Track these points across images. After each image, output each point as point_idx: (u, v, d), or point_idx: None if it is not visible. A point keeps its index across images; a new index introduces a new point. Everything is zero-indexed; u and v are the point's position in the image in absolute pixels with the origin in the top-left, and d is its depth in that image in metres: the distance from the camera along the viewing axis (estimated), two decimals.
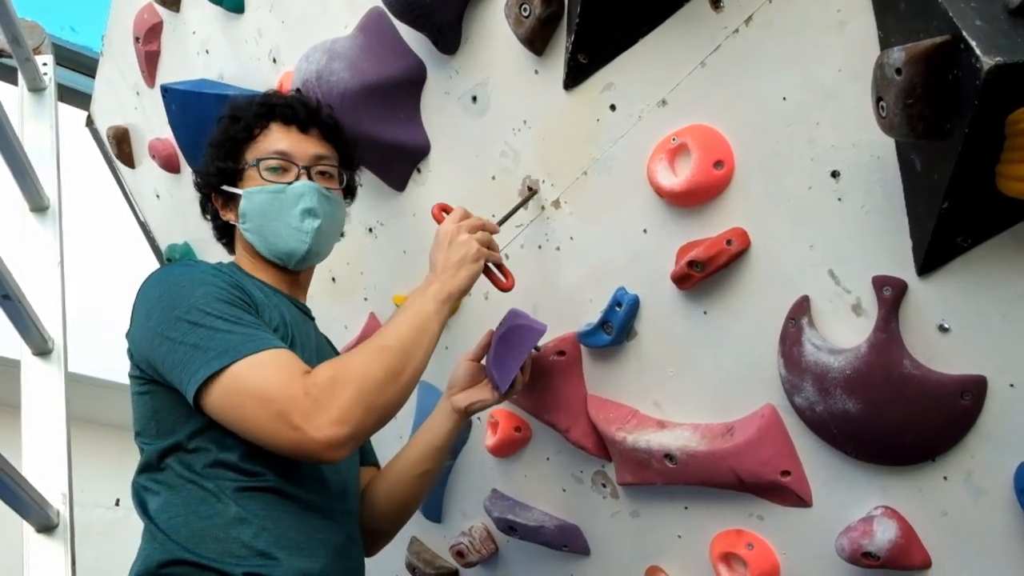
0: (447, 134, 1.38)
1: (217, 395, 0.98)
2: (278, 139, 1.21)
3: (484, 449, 1.45)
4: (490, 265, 1.21)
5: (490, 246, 1.19)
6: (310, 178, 1.20)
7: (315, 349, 1.19)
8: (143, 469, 1.09)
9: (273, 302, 1.16)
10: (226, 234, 1.30)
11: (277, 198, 1.19)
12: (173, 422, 1.06)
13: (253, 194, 1.20)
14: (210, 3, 1.72)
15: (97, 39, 2.24)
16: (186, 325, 1.01)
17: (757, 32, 0.97)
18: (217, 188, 1.25)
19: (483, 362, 1.28)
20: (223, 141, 1.23)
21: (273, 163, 1.20)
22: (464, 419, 1.28)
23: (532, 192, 1.25)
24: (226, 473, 1.03)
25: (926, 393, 0.90)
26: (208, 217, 1.30)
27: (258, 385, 0.97)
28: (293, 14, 1.57)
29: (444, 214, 1.22)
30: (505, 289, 1.23)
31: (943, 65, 0.73)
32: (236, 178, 1.23)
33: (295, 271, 1.24)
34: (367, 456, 1.37)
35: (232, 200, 1.24)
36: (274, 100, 1.25)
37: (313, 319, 1.28)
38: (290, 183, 1.19)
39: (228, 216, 1.25)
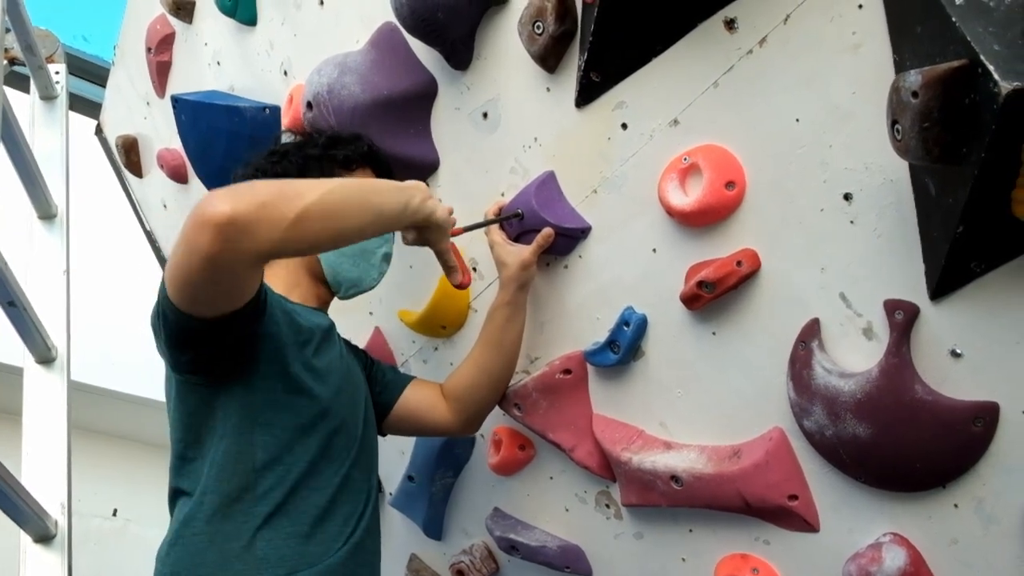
0: (457, 150, 1.38)
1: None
2: None
3: (487, 467, 1.44)
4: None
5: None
6: None
7: (338, 354, 1.22)
8: (180, 475, 1.10)
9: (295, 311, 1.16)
10: None
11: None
12: (209, 429, 1.06)
13: None
14: (223, 15, 1.73)
15: (108, 49, 2.25)
16: None
17: (771, 53, 0.97)
18: None
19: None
20: (321, 157, 1.25)
21: None
22: (519, 285, 1.26)
23: (518, 215, 1.25)
24: (243, 493, 1.04)
25: (937, 419, 0.89)
26: None
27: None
28: (305, 28, 1.58)
29: None
30: (460, 286, 1.20)
31: (960, 89, 0.73)
32: None
33: (339, 298, 1.29)
34: (396, 385, 1.34)
35: None
36: (375, 148, 1.30)
37: (333, 325, 1.28)
38: None
39: None
